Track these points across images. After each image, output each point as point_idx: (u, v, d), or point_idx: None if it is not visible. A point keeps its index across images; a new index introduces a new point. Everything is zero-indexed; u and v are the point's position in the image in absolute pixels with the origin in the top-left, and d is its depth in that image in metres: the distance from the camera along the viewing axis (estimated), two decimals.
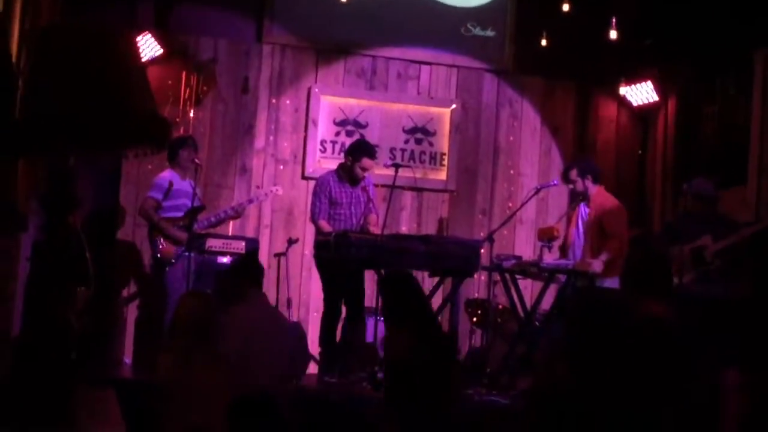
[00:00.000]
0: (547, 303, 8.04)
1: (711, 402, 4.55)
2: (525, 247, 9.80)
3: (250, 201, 8.71)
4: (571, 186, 8.24)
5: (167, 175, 8.25)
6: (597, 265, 7.65)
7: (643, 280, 4.69)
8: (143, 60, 8.88)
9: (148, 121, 4.12)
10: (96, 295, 6.91)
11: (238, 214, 8.58)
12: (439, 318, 8.34)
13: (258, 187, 9.21)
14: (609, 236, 7.86)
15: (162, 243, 8.12)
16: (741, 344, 4.81)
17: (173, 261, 8.09)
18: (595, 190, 8.09)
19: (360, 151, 8.05)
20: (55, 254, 4.30)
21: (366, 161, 8.00)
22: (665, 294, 4.63)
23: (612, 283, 7.80)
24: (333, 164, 8.69)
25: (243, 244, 8.68)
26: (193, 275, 7.99)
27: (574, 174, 8.12)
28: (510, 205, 9.88)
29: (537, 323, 8.05)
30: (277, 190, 8.79)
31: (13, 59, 5.48)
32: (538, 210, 9.93)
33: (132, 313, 8.74)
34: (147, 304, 8.64)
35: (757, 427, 4.45)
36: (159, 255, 8.13)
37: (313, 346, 8.07)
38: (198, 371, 4.95)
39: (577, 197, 8.27)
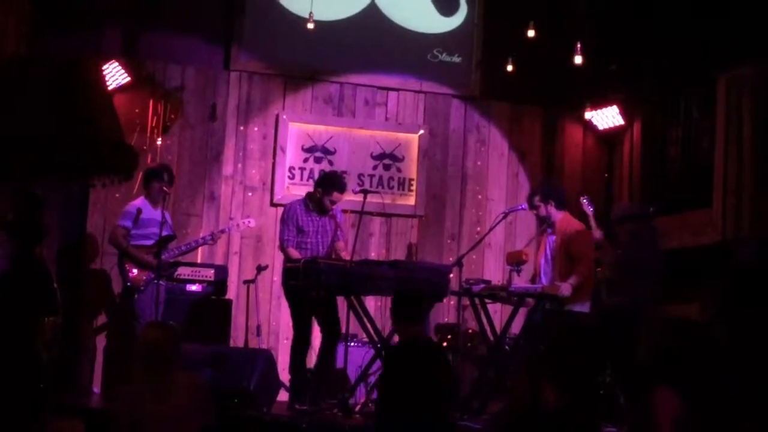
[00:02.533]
0: (516, 327, 8.05)
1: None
2: (494, 271, 9.84)
3: (222, 231, 8.68)
4: (535, 212, 8.27)
5: (137, 203, 8.24)
6: (566, 289, 7.68)
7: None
8: (110, 88, 8.88)
9: (115, 149, 4.12)
10: (64, 324, 6.88)
11: (209, 243, 8.56)
12: None
13: (231, 217, 9.18)
14: (576, 261, 7.88)
15: (132, 271, 8.09)
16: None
17: (142, 288, 8.06)
18: (560, 216, 8.09)
19: (331, 184, 8.03)
20: (21, 285, 4.28)
21: (336, 195, 8.00)
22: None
23: (581, 308, 7.83)
24: (302, 191, 8.70)
25: (212, 271, 8.69)
26: (163, 303, 7.97)
27: (537, 200, 8.14)
28: (478, 229, 9.92)
29: (507, 347, 8.06)
30: (249, 221, 8.75)
31: None
32: (507, 234, 9.98)
33: (101, 342, 8.69)
34: (116, 333, 8.58)
35: None
36: (129, 283, 8.10)
37: (284, 374, 8.04)
38: (152, 402, 4.91)
39: (543, 223, 8.29)
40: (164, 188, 8.21)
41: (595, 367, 4.52)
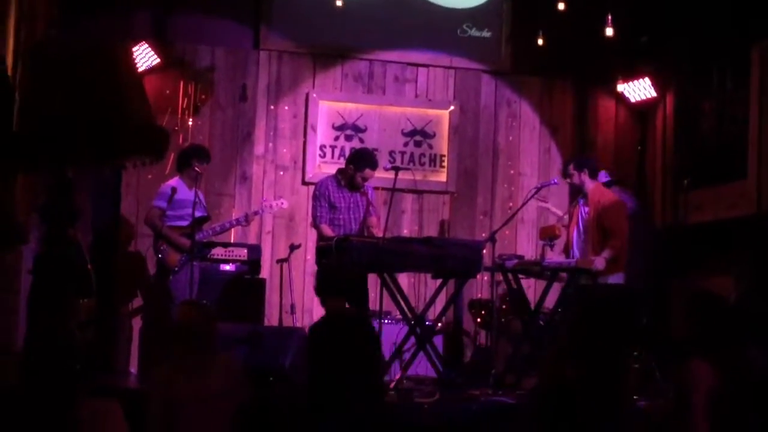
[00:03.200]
0: (550, 302, 8.03)
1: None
2: (527, 246, 9.80)
3: (256, 213, 8.68)
4: (568, 180, 8.26)
5: (172, 183, 8.27)
6: (599, 263, 7.65)
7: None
8: (140, 70, 8.91)
9: (146, 131, 4.13)
10: (100, 305, 6.94)
11: (247, 222, 8.57)
12: (443, 319, 8.38)
13: (264, 199, 9.18)
14: (609, 233, 7.84)
15: (166, 251, 8.13)
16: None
17: (177, 269, 8.10)
18: (593, 186, 8.07)
19: (363, 161, 8.03)
20: (56, 267, 4.31)
21: (368, 172, 8.00)
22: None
23: (616, 279, 7.81)
24: (333, 169, 8.69)
25: (245, 251, 8.70)
26: (197, 283, 8.01)
27: (571, 168, 8.13)
28: (511, 205, 9.89)
29: (541, 322, 8.05)
30: (282, 203, 8.74)
31: (9, 72, 5.49)
32: (539, 210, 9.92)
33: (137, 323, 8.75)
34: (152, 314, 8.64)
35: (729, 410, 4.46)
36: (163, 263, 8.15)
37: None
38: (187, 382, 4.93)
39: (576, 194, 8.26)
40: (197, 168, 8.24)
41: (617, 340, 4.50)
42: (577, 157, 8.41)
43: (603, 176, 8.63)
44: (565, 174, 8.23)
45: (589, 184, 8.05)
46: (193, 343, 4.99)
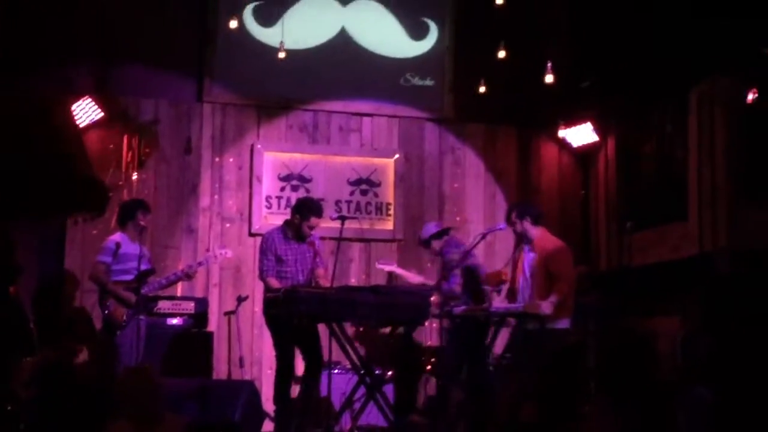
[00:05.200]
0: (498, 347, 8.05)
1: None
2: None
3: (200, 264, 8.64)
4: (512, 228, 8.27)
5: (115, 237, 8.19)
6: (546, 307, 7.67)
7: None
8: (83, 125, 8.86)
9: (86, 187, 4.11)
10: (45, 363, 6.83)
11: (188, 276, 8.52)
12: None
13: (207, 249, 9.15)
14: (555, 278, 7.87)
15: (112, 306, 8.05)
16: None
17: (124, 324, 8.01)
18: (537, 233, 8.07)
19: (308, 210, 8.02)
20: None
21: (314, 220, 7.99)
22: None
23: (562, 324, 7.83)
24: (279, 219, 8.68)
25: (192, 304, 8.65)
26: (144, 338, 7.93)
27: (513, 216, 8.16)
28: None
29: (490, 368, 8.05)
30: (225, 252, 8.70)
31: None
32: (486, 255, 9.97)
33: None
34: (98, 370, 8.51)
35: None
36: (110, 319, 8.06)
37: (268, 404, 8.01)
38: None
39: (520, 240, 8.29)
40: (140, 222, 8.19)
41: (574, 384, 4.55)
42: (518, 206, 8.39)
43: (432, 227, 8.65)
44: (509, 222, 8.26)
45: (533, 231, 8.06)
46: (137, 410, 4.92)
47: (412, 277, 8.71)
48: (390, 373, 8.41)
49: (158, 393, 5.08)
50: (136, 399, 4.93)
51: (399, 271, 9.02)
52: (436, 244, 8.41)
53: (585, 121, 10.15)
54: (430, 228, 8.54)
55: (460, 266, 8.14)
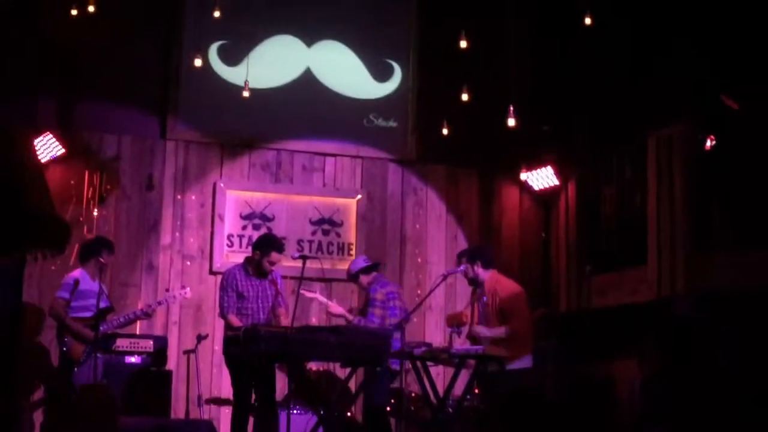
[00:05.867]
0: (459, 389, 8.05)
1: None
2: (435, 333, 9.85)
3: (159, 303, 8.60)
4: (464, 273, 8.28)
5: (75, 274, 8.15)
6: (482, 330, 7.76)
7: None
8: (44, 160, 8.83)
9: (47, 223, 4.09)
10: (1, 402, 6.74)
11: (147, 315, 8.47)
12: (352, 408, 8.34)
13: (167, 289, 9.11)
14: (507, 316, 7.90)
15: (70, 343, 7.98)
16: None
17: (81, 361, 7.95)
18: (488, 276, 8.13)
19: (268, 245, 8.02)
20: None
21: (274, 255, 7.98)
22: None
23: (521, 363, 7.86)
24: (240, 258, 8.64)
25: (151, 342, 8.59)
26: (101, 376, 7.86)
27: (464, 261, 8.20)
28: (419, 292, 9.95)
29: (450, 409, 8.04)
30: (185, 292, 8.68)
31: None
32: (447, 296, 10.01)
33: (39, 417, 8.51)
34: (54, 407, 8.41)
35: None
36: (67, 355, 7.99)
37: None
38: None
39: (471, 284, 8.30)
40: (101, 260, 8.14)
41: (528, 426, 4.55)
42: (469, 251, 8.41)
43: (361, 261, 8.67)
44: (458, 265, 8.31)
45: (484, 275, 8.12)
46: (94, 428, 4.84)
47: (334, 307, 8.66)
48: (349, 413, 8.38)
49: (116, 412, 4.99)
50: (93, 417, 4.84)
51: (321, 299, 8.92)
52: (364, 279, 8.43)
53: (546, 165, 10.25)
54: (359, 262, 8.56)
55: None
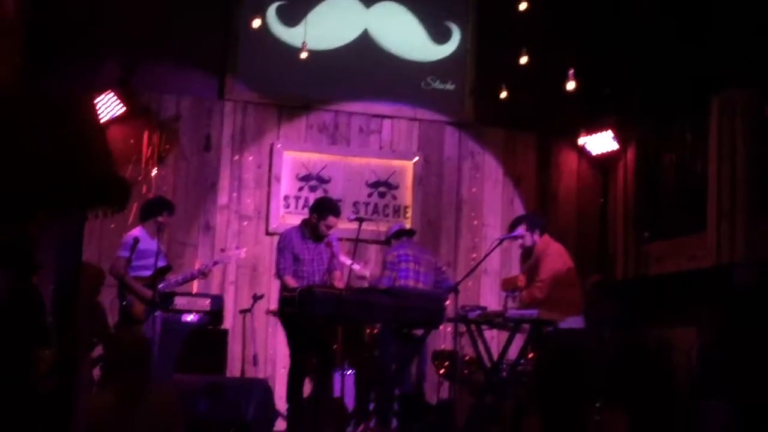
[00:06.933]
0: (513, 353, 8.04)
1: None
2: (490, 297, 9.84)
3: (215, 263, 8.69)
4: (519, 241, 8.25)
5: (135, 233, 8.24)
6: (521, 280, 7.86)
7: None
8: (104, 120, 8.92)
9: (108, 182, 4.13)
10: (62, 355, 6.87)
11: (203, 275, 8.56)
12: (407, 370, 8.37)
13: (222, 249, 9.18)
14: (557, 281, 7.92)
15: (131, 301, 8.09)
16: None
17: (142, 319, 8.05)
18: (541, 241, 8.16)
19: (326, 209, 8.04)
20: (16, 316, 4.29)
21: (331, 219, 8.01)
22: None
23: (575, 323, 7.84)
24: (297, 219, 8.70)
25: (208, 301, 8.66)
26: (159, 334, 7.95)
27: (522, 229, 8.16)
28: (474, 256, 9.93)
29: (504, 374, 8.04)
30: (240, 252, 8.76)
31: None
32: (503, 260, 9.98)
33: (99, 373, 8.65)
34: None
35: None
36: (128, 313, 8.10)
37: (281, 403, 8.03)
38: (119, 410, 4.81)
39: (529, 252, 8.27)
40: (160, 220, 8.23)
41: (575, 389, 4.52)
42: (528, 220, 8.35)
43: (395, 227, 8.82)
44: (515, 237, 8.28)
45: (540, 242, 8.13)
46: (125, 371, 4.87)
47: (358, 269, 8.71)
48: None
49: (148, 356, 5.02)
50: (126, 359, 4.87)
51: (346, 260, 8.83)
52: (393, 244, 8.61)
53: (605, 129, 10.13)
54: (393, 228, 8.79)
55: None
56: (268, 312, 8.95)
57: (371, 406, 8.05)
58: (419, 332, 8.08)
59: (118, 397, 4.83)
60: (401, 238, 8.55)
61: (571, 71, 8.71)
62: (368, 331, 8.83)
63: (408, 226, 9.79)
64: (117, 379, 4.88)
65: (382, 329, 7.82)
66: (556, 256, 8.08)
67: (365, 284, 8.43)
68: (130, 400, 4.81)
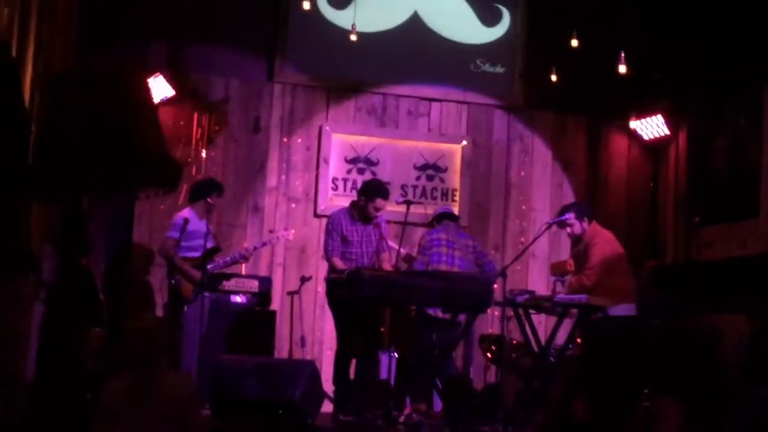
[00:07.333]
0: (561, 338, 8.00)
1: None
2: (538, 281, 9.79)
3: (263, 244, 8.74)
4: (569, 230, 8.22)
5: (184, 214, 8.31)
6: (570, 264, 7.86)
7: None
8: (155, 101, 8.97)
9: (160, 162, 4.15)
10: (111, 335, 6.96)
11: (246, 258, 8.61)
12: (454, 354, 8.37)
13: (270, 231, 9.23)
14: (607, 268, 7.88)
15: (180, 282, 8.16)
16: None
17: (191, 300, 8.12)
18: (590, 228, 8.14)
19: (374, 191, 8.06)
20: (69, 297, 4.33)
21: (380, 202, 8.02)
22: None
23: (625, 310, 7.79)
24: (345, 202, 8.72)
25: (256, 283, 8.73)
26: (208, 315, 8.03)
27: (572, 218, 8.13)
28: (522, 240, 9.89)
29: (551, 358, 8.02)
30: (288, 234, 8.80)
31: (27, 104, 5.53)
32: (551, 245, 9.92)
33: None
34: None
35: None
36: (178, 293, 8.17)
37: (327, 385, 8.06)
38: (135, 398, 4.80)
39: (576, 241, 8.25)
40: (209, 201, 8.28)
41: (624, 376, 4.47)
42: (576, 209, 8.30)
43: (439, 210, 8.76)
44: (562, 224, 8.25)
45: (589, 230, 8.11)
46: (137, 362, 4.86)
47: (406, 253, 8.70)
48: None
49: (161, 346, 4.99)
50: (142, 346, 4.85)
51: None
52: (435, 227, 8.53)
53: (657, 114, 10.02)
54: (437, 211, 8.68)
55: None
56: None
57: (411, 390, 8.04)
58: (462, 317, 8.06)
59: (132, 385, 4.82)
60: (442, 222, 8.51)
61: (623, 54, 8.62)
62: (414, 314, 8.84)
63: (456, 209, 9.77)
64: (130, 369, 4.85)
65: (416, 315, 7.79)
66: (605, 243, 8.04)
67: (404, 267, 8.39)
68: (144, 389, 4.81)
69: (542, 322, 9.05)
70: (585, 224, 8.12)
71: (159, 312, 8.83)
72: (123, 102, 4.17)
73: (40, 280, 5.78)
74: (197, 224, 8.24)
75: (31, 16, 5.89)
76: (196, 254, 8.14)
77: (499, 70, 10.17)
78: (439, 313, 8.02)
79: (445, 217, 8.58)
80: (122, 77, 4.28)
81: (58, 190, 4.18)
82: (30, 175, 4.17)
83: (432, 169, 9.94)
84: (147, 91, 4.80)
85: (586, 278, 7.84)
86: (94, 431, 4.71)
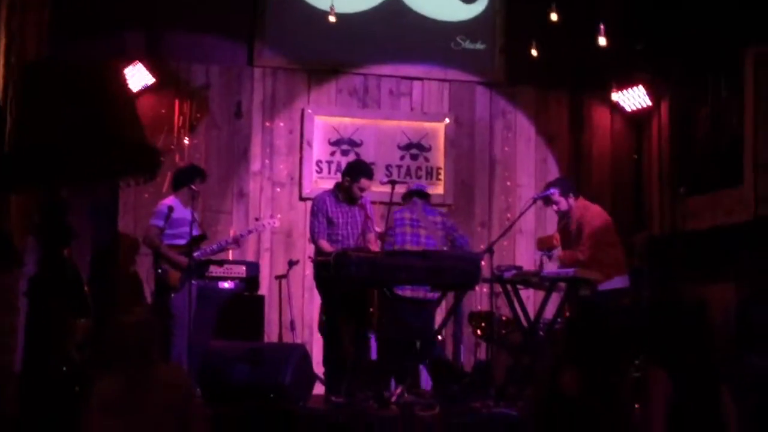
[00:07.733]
0: (549, 312, 8.01)
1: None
2: (525, 257, 9.79)
3: (249, 232, 8.73)
4: (555, 207, 8.22)
5: (168, 201, 8.28)
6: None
7: None
8: (134, 90, 8.94)
9: (138, 150, 4.13)
10: (98, 325, 6.94)
11: (237, 244, 8.60)
12: (443, 332, 8.38)
13: (256, 218, 9.21)
14: (599, 242, 7.88)
15: (167, 270, 8.13)
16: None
17: (178, 287, 8.10)
18: (576, 204, 8.13)
19: (358, 171, 8.04)
20: (51, 288, 4.30)
21: (364, 182, 8.00)
22: None
23: (616, 283, 7.81)
24: (330, 184, 8.70)
25: (244, 268, 8.71)
26: (195, 301, 8.01)
27: (556, 194, 8.12)
28: (509, 216, 9.88)
29: (541, 333, 8.03)
30: (274, 221, 8.77)
31: (0, 93, 5.49)
32: (538, 220, 9.93)
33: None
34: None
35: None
36: (164, 281, 8.15)
37: (318, 367, 8.06)
38: (127, 395, 4.76)
39: (563, 217, 8.25)
40: (193, 188, 8.25)
41: (612, 347, 4.48)
42: (560, 185, 8.29)
43: (413, 186, 8.65)
44: (549, 202, 8.24)
45: (574, 204, 8.11)
46: (130, 356, 4.82)
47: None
48: (440, 337, 8.42)
49: (152, 339, 4.94)
50: (129, 344, 4.80)
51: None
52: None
53: (638, 85, 10.01)
54: (410, 186, 8.59)
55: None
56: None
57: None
58: (435, 296, 8.02)
59: (127, 379, 4.77)
60: (412, 200, 8.41)
61: (602, 26, 8.60)
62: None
63: (441, 188, 9.77)
64: (121, 364, 4.80)
65: (383, 295, 7.75)
66: (595, 217, 8.06)
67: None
68: (141, 382, 4.76)
69: (530, 297, 9.06)
70: (571, 200, 8.12)
71: (145, 300, 8.81)
72: (99, 91, 4.14)
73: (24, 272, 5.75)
74: (182, 212, 8.21)
75: (1, 6, 5.82)
76: (182, 242, 8.12)
77: (480, 46, 10.15)
78: (408, 293, 7.98)
79: (414, 194, 8.47)
80: (97, 67, 4.25)
81: (35, 180, 4.16)
82: (6, 165, 4.15)
83: (416, 148, 9.92)
84: (123, 79, 4.76)
85: (580, 253, 7.85)
86: (85, 425, 4.69)
